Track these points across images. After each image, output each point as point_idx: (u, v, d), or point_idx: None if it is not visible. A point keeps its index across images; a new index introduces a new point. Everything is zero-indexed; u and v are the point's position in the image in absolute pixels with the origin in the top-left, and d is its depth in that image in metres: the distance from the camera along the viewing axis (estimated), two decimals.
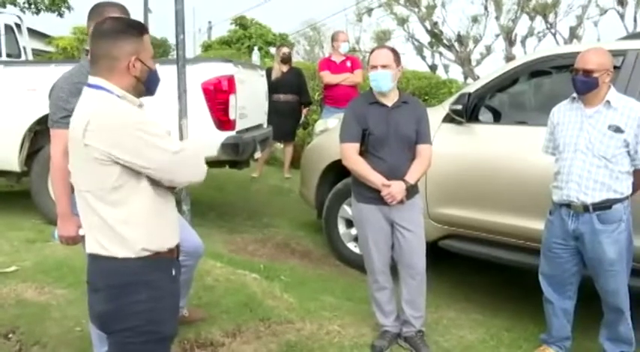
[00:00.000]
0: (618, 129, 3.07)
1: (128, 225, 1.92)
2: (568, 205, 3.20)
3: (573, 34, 18.43)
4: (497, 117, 4.46)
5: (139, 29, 2.00)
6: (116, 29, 1.96)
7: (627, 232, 3.16)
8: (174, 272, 2.08)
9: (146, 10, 19.76)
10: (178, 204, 4.69)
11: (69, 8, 12.79)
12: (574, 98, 3.25)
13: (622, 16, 17.79)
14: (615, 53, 3.54)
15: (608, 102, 3.12)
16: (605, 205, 3.12)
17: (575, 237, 3.22)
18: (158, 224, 1.99)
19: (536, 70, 4.33)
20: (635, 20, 17.54)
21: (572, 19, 18.76)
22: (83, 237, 2.56)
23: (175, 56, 4.15)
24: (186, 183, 2.05)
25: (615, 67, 3.44)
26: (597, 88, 3.10)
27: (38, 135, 5.13)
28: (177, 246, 2.12)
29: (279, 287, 4.04)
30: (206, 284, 3.91)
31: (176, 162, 1.92)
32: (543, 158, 3.48)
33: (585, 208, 3.14)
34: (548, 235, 3.36)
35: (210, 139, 4.82)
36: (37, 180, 5.15)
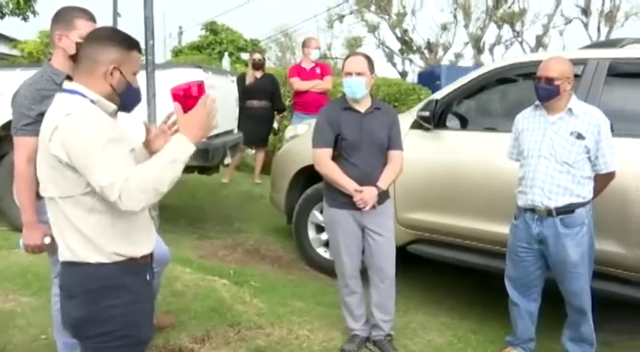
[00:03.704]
0: (580, 136, 3.17)
1: (99, 230, 1.91)
2: (532, 210, 3.28)
3: (539, 43, 18.85)
4: (464, 124, 4.55)
5: (130, 43, 2.01)
6: (107, 36, 1.99)
7: (589, 235, 3.25)
8: (148, 278, 2.09)
9: (115, 14, 19.54)
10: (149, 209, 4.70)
11: (34, 13, 12.60)
12: (537, 105, 3.33)
13: (586, 26, 18.29)
14: (576, 62, 3.65)
15: (570, 109, 3.21)
16: (568, 209, 3.21)
17: (539, 241, 3.30)
18: (131, 229, 1.98)
19: (502, 78, 4.42)
20: (598, 30, 18.04)
21: (539, 28, 19.26)
22: (48, 245, 2.54)
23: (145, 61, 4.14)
24: (131, 210, 1.85)
25: (576, 76, 3.55)
26: (559, 95, 3.19)
27: (3, 141, 5.04)
28: (152, 253, 2.12)
29: (248, 293, 4.04)
30: (175, 290, 3.89)
31: (123, 189, 1.81)
32: (509, 164, 3.56)
33: (549, 212, 3.23)
34: (513, 239, 3.43)
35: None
36: (2, 187, 5.06)
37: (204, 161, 5.01)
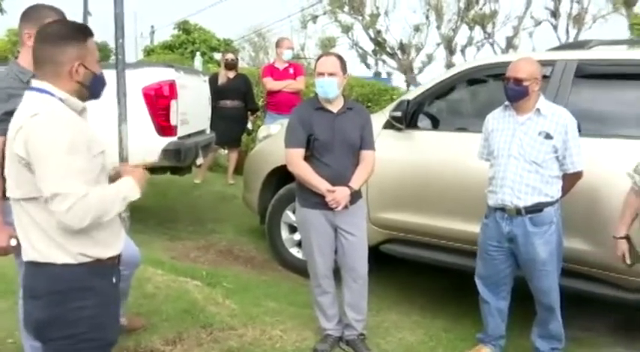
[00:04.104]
0: (548, 136, 3.22)
1: (67, 231, 1.88)
2: (502, 209, 3.33)
3: (510, 44, 19.10)
4: (435, 124, 4.59)
5: (84, 33, 1.98)
6: (60, 34, 1.94)
7: (558, 234, 3.31)
8: (114, 280, 2.06)
9: (85, 13, 19.27)
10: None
11: (2, 11, 12.36)
12: (507, 106, 3.38)
13: (555, 28, 18.60)
14: (545, 63, 3.71)
15: (538, 109, 3.26)
16: (536, 208, 3.26)
17: (509, 239, 3.34)
18: (98, 230, 1.95)
19: (472, 79, 4.48)
20: (567, 32, 18.35)
21: (509, 30, 19.49)
22: (14, 247, 2.50)
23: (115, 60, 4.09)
24: (68, 225, 1.84)
25: (545, 76, 3.61)
26: (527, 95, 3.24)
27: None
28: (119, 254, 2.09)
29: (221, 294, 4.02)
30: (146, 292, 3.85)
31: (77, 204, 1.80)
32: (479, 163, 3.59)
33: (518, 211, 3.27)
34: (483, 238, 3.47)
35: (151, 145, 4.76)
36: None
37: (176, 161, 4.97)
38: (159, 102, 4.82)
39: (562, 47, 4.68)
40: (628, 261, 3.12)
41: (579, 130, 3.34)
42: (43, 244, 1.90)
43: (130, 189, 2.02)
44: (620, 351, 3.95)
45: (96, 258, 1.95)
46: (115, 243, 2.05)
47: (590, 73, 3.90)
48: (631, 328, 4.12)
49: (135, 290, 3.59)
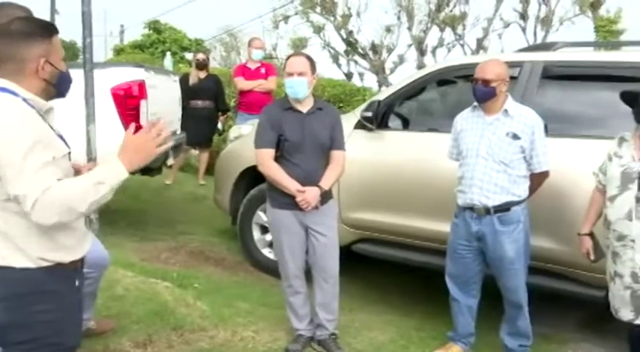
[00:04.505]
0: (515, 136, 3.27)
1: (25, 235, 1.85)
2: (471, 208, 3.37)
3: (480, 46, 19.33)
4: (406, 124, 4.62)
5: (49, 30, 1.94)
6: (25, 30, 1.89)
7: (525, 232, 3.37)
8: (77, 283, 2.03)
9: (53, 11, 18.94)
10: None
11: None
12: (475, 106, 3.43)
13: (524, 30, 18.88)
14: (512, 64, 3.77)
15: (505, 110, 3.32)
16: (504, 208, 3.31)
17: (478, 238, 3.39)
18: (59, 234, 1.92)
19: (442, 80, 4.53)
20: (535, 33, 18.64)
21: (479, 31, 19.71)
22: None
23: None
24: (42, 223, 1.79)
25: (513, 78, 3.67)
26: (495, 96, 3.29)
27: None
28: (82, 258, 2.06)
29: (192, 295, 3.99)
30: (115, 294, 3.80)
31: (39, 200, 1.74)
32: (449, 163, 3.64)
33: (487, 211, 3.32)
34: (453, 237, 3.52)
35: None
36: None
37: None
38: (128, 102, 4.77)
39: (529, 49, 4.76)
40: (592, 257, 3.19)
41: (546, 131, 3.41)
42: (3, 247, 1.86)
43: (109, 171, 1.85)
44: (586, 347, 4.04)
45: (57, 262, 1.91)
46: (78, 247, 2.01)
47: (557, 75, 3.98)
48: (597, 324, 4.20)
49: (104, 292, 3.54)
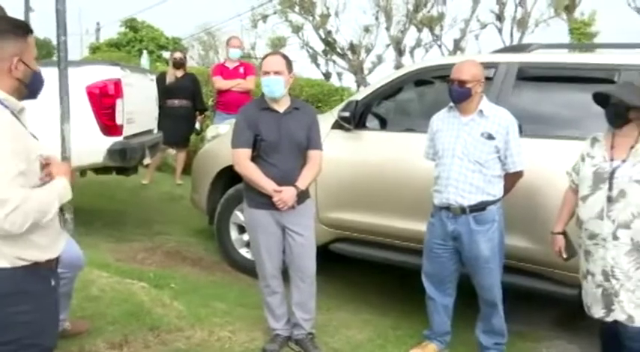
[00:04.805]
0: (490, 137, 3.31)
1: (3, 235, 1.83)
2: (447, 208, 3.40)
3: (457, 46, 19.49)
4: (383, 124, 4.65)
5: (23, 29, 1.92)
6: None
7: (500, 231, 3.41)
8: (53, 283, 2.02)
9: (27, 9, 18.66)
10: (61, 212, 4.52)
11: None
12: (451, 107, 3.46)
13: (500, 31, 19.09)
14: (488, 65, 3.82)
15: (481, 111, 3.36)
16: (480, 207, 3.35)
17: (453, 238, 3.42)
18: (35, 233, 1.90)
19: (419, 80, 4.56)
20: (511, 35, 18.85)
21: (456, 32, 19.88)
22: None
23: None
24: (7, 231, 1.80)
25: (488, 78, 3.72)
26: (470, 97, 3.33)
27: None
28: (57, 257, 2.05)
29: (168, 296, 3.96)
30: (91, 295, 3.76)
31: (18, 208, 1.77)
32: (426, 163, 3.66)
33: (462, 210, 3.36)
34: (429, 236, 3.55)
35: (96, 145, 4.67)
36: None
37: (122, 161, 4.88)
38: (103, 101, 4.72)
39: (504, 50, 4.82)
40: (564, 255, 3.24)
41: (520, 131, 3.45)
42: None
43: (63, 187, 1.99)
44: (560, 344, 4.10)
45: (33, 261, 1.90)
46: (53, 245, 2.00)
47: (531, 76, 4.04)
48: (570, 322, 4.27)
49: (79, 293, 3.50)
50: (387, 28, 20.05)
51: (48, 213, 1.89)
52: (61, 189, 1.97)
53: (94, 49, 20.80)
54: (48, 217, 1.90)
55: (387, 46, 20.40)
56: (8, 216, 1.75)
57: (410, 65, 6.30)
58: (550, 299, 4.02)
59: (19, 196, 1.77)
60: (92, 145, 4.61)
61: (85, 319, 3.47)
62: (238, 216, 4.82)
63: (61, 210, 2.34)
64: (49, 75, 2.73)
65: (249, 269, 4.53)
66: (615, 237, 2.91)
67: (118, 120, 4.80)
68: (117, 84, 4.78)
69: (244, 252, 4.92)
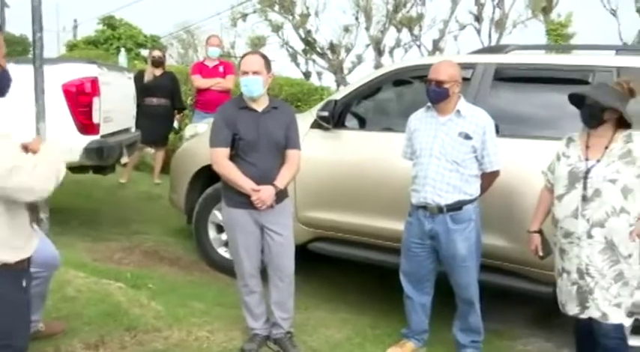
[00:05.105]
0: (467, 136, 3.34)
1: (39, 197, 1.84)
2: (424, 207, 3.43)
3: (436, 47, 19.59)
4: (362, 124, 4.66)
5: None
6: None
7: (476, 230, 3.44)
8: (24, 284, 1.99)
9: (3, 4, 18.40)
10: (36, 211, 4.46)
11: None
12: (429, 107, 3.48)
13: (478, 32, 19.23)
14: (465, 66, 3.85)
15: (458, 111, 3.38)
16: (457, 206, 3.38)
17: (431, 237, 3.45)
18: (7, 235, 1.87)
19: (398, 80, 4.58)
20: (489, 36, 19.01)
21: (435, 33, 19.98)
22: None
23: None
24: (42, 197, 1.95)
25: (466, 79, 3.75)
26: (448, 97, 3.35)
27: None
28: (29, 258, 2.02)
29: (146, 296, 3.93)
30: (67, 296, 3.71)
31: (34, 179, 1.83)
32: (404, 163, 3.68)
33: (440, 209, 3.38)
34: (407, 235, 3.57)
35: (72, 143, 4.62)
36: None
37: (99, 160, 4.83)
38: (80, 99, 4.68)
39: (482, 51, 4.86)
40: (540, 254, 3.29)
41: (497, 131, 3.49)
42: None
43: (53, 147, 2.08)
44: (536, 341, 4.15)
45: (2, 263, 1.87)
46: (24, 246, 1.97)
47: (508, 76, 4.07)
48: (546, 319, 4.32)
49: (54, 293, 3.47)
50: (367, 28, 20.08)
51: (60, 168, 1.96)
52: (54, 147, 2.02)
53: (71, 47, 20.54)
54: (62, 173, 1.96)
55: (367, 45, 20.44)
56: (34, 172, 1.79)
57: (389, 65, 6.33)
58: (526, 297, 4.07)
59: (29, 159, 1.83)
60: (68, 144, 4.56)
61: (61, 320, 3.43)
62: (217, 215, 4.80)
63: (36, 209, 2.32)
64: (25, 72, 2.70)
65: (227, 268, 4.51)
66: (590, 236, 2.96)
67: (95, 119, 4.76)
68: (94, 82, 4.73)
69: (223, 251, 4.90)
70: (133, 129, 6.02)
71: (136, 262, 4.90)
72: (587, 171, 2.99)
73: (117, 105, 5.28)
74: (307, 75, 20.81)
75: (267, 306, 3.62)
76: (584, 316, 3.04)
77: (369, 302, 4.52)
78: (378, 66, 18.81)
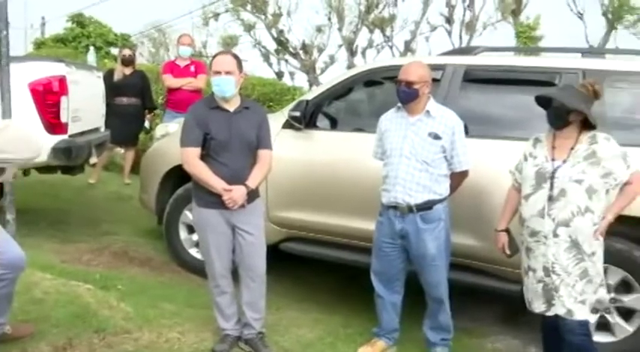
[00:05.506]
0: (437, 137, 3.38)
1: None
2: (395, 207, 3.45)
3: (408, 48, 19.75)
4: (334, 124, 4.68)
5: None
6: None
7: (446, 230, 3.49)
8: None
9: None
10: (2, 212, 4.38)
11: None
12: (399, 107, 3.52)
13: (449, 33, 19.45)
14: (435, 67, 3.89)
15: (428, 111, 3.42)
16: (427, 206, 3.41)
17: (401, 236, 3.48)
18: None
19: (369, 80, 4.61)
20: (460, 37, 19.24)
21: (407, 34, 20.14)
22: None
23: None
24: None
25: (436, 80, 3.79)
26: (418, 98, 3.39)
27: None
28: None
29: (115, 297, 3.88)
30: (34, 298, 3.65)
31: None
32: (375, 163, 3.71)
33: (410, 209, 3.41)
34: (378, 235, 3.59)
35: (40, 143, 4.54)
36: None
37: (67, 160, 4.76)
38: (48, 98, 4.60)
39: (452, 52, 4.92)
40: (508, 252, 3.34)
41: (466, 131, 3.53)
42: None
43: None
44: (504, 339, 4.22)
45: None
46: None
47: (477, 78, 4.13)
48: (514, 317, 4.39)
49: (21, 295, 3.40)
50: (340, 29, 20.15)
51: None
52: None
53: (39, 45, 20.16)
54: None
55: (340, 46, 20.51)
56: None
57: (360, 66, 6.36)
58: (495, 296, 4.13)
59: None
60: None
61: (29, 322, 3.37)
62: (188, 215, 4.77)
63: (1, 209, 2.28)
64: None
65: (198, 269, 4.49)
66: (555, 235, 3.02)
67: (63, 118, 4.69)
68: (61, 81, 4.66)
69: (194, 252, 4.88)
70: (103, 129, 5.95)
71: (105, 263, 4.85)
72: (554, 172, 3.05)
73: (85, 105, 5.21)
74: (280, 75, 20.78)
75: (238, 307, 3.61)
76: (550, 313, 3.10)
77: (340, 301, 4.54)
78: (350, 66, 18.86)
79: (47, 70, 4.70)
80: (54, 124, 4.65)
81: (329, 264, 4.52)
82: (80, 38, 19.66)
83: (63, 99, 4.66)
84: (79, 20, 20.41)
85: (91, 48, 14.21)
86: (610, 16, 17.38)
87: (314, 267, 4.85)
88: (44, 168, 5.01)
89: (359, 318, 4.15)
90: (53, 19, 36.32)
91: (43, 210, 5.98)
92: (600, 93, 3.11)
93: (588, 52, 4.66)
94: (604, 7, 17.30)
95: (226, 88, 3.33)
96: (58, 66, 4.77)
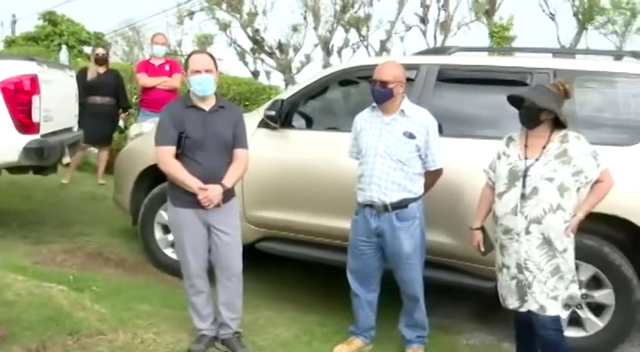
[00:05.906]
0: (411, 136, 3.41)
1: None
2: (370, 205, 3.48)
3: (383, 47, 19.82)
4: (309, 123, 4.68)
5: None
6: None
7: (421, 228, 3.52)
8: None
9: None
10: None
11: None
12: (374, 107, 3.54)
13: (424, 33, 19.55)
14: (410, 67, 3.93)
15: (402, 111, 3.45)
16: (402, 204, 3.44)
17: (377, 235, 3.50)
18: None
19: (344, 80, 4.63)
20: (435, 37, 19.36)
21: (382, 34, 20.21)
22: None
23: None
24: None
25: (410, 79, 3.82)
26: (392, 97, 3.41)
27: None
28: None
29: (89, 298, 3.84)
30: (6, 300, 3.59)
31: None
32: (351, 162, 3.72)
33: (385, 208, 3.44)
34: (353, 234, 3.61)
35: (11, 143, 4.48)
36: None
37: (39, 160, 4.69)
38: (18, 97, 4.53)
39: (426, 52, 4.96)
40: (482, 249, 3.39)
41: (440, 131, 3.57)
42: None
43: None
44: (479, 335, 4.27)
45: None
46: None
47: (451, 77, 4.18)
48: (488, 314, 4.45)
49: None
50: (315, 28, 20.14)
51: None
52: None
53: (10, 43, 19.78)
54: None
55: (315, 45, 20.49)
56: None
57: (335, 65, 6.38)
58: (469, 293, 4.18)
59: None
60: (6, 143, 4.43)
61: (1, 325, 3.32)
62: (163, 215, 4.73)
63: None
64: None
65: (174, 269, 4.46)
66: (528, 232, 3.07)
67: (35, 118, 4.62)
68: (33, 80, 4.59)
69: (169, 252, 4.85)
70: (76, 129, 5.87)
71: (79, 264, 4.79)
72: (526, 170, 3.10)
73: (58, 104, 5.14)
74: (255, 74, 20.69)
75: (214, 307, 3.60)
76: (523, 309, 3.15)
77: (316, 300, 4.55)
78: (326, 65, 18.87)
79: (18, 68, 4.62)
80: (25, 124, 4.58)
81: (305, 263, 4.53)
82: (52, 36, 19.34)
83: (34, 98, 4.59)
84: (51, 18, 20.08)
85: (64, 46, 14.00)
86: (581, 16, 17.66)
87: (290, 266, 4.86)
88: (15, 169, 4.92)
89: (335, 317, 4.16)
90: (24, 17, 35.70)
91: (14, 211, 5.88)
92: (570, 93, 3.17)
93: (559, 52, 4.75)
94: (575, 8, 17.57)
95: (208, 86, 3.32)
96: (30, 65, 4.70)
